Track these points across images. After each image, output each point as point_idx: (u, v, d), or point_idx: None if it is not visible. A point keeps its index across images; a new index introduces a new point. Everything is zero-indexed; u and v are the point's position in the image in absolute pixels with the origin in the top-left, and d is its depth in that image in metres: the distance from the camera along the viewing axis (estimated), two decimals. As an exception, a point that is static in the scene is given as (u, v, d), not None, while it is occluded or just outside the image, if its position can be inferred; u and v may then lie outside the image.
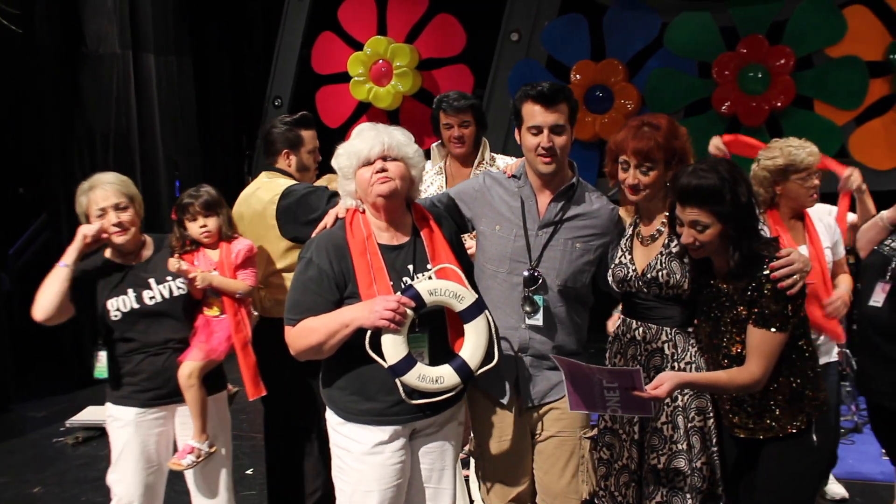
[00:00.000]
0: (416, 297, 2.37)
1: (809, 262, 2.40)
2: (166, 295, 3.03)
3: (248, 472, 4.73)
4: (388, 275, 2.46)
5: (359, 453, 2.49)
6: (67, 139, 6.78)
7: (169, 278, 3.04)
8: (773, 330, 2.33)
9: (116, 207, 2.97)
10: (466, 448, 2.99)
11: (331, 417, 2.58)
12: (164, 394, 3.01)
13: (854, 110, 6.45)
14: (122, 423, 3.02)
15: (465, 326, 2.46)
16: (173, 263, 3.00)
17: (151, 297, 3.01)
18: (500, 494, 2.81)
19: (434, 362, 2.46)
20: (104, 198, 2.96)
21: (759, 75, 6.49)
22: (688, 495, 2.56)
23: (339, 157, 2.54)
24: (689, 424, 2.59)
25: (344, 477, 2.54)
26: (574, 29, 7.12)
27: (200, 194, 3.13)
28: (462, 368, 2.44)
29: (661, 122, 2.61)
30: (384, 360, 2.36)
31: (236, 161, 8.82)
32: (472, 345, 2.46)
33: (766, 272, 2.33)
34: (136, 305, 2.99)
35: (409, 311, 2.35)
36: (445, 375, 2.43)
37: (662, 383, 2.29)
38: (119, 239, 2.98)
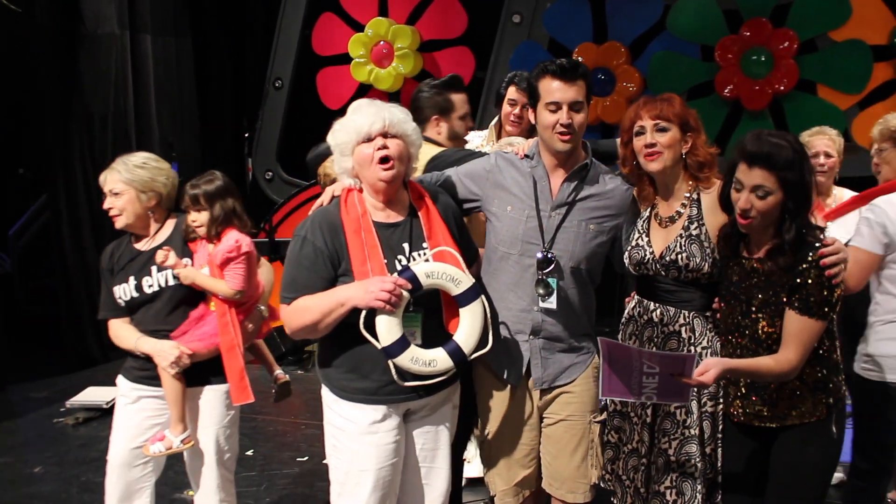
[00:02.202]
0: (413, 279, 2.36)
1: (849, 253, 2.38)
2: (163, 284, 2.98)
3: (249, 453, 4.74)
4: (382, 253, 2.44)
5: (353, 433, 2.49)
6: (67, 120, 6.75)
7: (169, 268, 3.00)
8: (814, 318, 2.30)
9: (111, 193, 2.97)
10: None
11: (326, 395, 2.58)
12: (154, 376, 2.98)
13: (857, 94, 6.41)
14: (120, 392, 3.07)
15: (461, 310, 2.45)
16: (160, 255, 2.95)
17: (150, 286, 2.98)
18: (504, 478, 2.80)
19: (427, 343, 2.45)
20: (104, 181, 3.00)
21: (763, 59, 6.45)
22: (697, 481, 2.55)
23: (336, 133, 2.51)
24: (702, 409, 2.58)
25: (339, 455, 2.55)
26: (576, 11, 7.07)
27: (194, 186, 3.03)
28: (456, 353, 2.43)
29: (673, 95, 2.64)
30: (378, 340, 2.35)
31: (236, 143, 8.79)
32: (466, 329, 2.45)
33: (815, 258, 2.28)
34: (135, 294, 2.98)
35: (404, 293, 2.34)
36: (439, 359, 2.42)
37: (709, 369, 2.26)
38: (118, 224, 3.00)
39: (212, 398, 3.05)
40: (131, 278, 2.98)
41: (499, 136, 3.86)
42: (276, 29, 7.96)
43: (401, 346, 2.37)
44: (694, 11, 6.71)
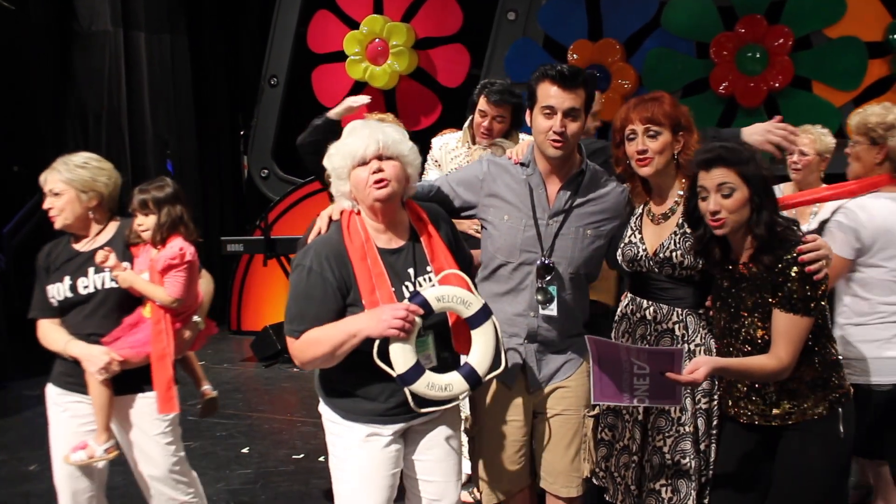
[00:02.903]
0: (424, 304, 2.32)
1: (832, 249, 2.38)
2: (99, 286, 2.91)
3: (244, 450, 4.74)
4: (389, 280, 2.41)
5: (353, 443, 2.47)
6: (61, 117, 6.75)
7: (107, 269, 2.92)
8: (800, 315, 2.30)
9: (51, 192, 2.91)
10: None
11: (326, 412, 2.56)
12: (83, 384, 2.90)
13: (853, 91, 6.43)
14: (49, 400, 2.98)
15: (473, 332, 2.42)
16: (100, 255, 2.86)
17: (85, 287, 2.90)
18: (494, 474, 2.80)
19: (438, 363, 2.43)
20: (44, 181, 2.93)
21: (758, 55, 6.47)
22: (692, 478, 2.55)
23: (332, 158, 2.46)
24: (696, 406, 2.58)
25: (341, 466, 2.53)
26: (571, 8, 7.08)
27: (143, 191, 2.97)
28: (471, 375, 2.41)
29: (663, 95, 2.61)
30: (392, 369, 2.32)
31: (231, 140, 8.78)
32: (480, 351, 2.42)
33: (795, 255, 2.29)
34: (68, 294, 2.90)
35: (417, 319, 2.31)
36: (454, 383, 2.39)
37: (699, 367, 2.26)
38: (55, 224, 2.93)
39: (144, 407, 2.96)
40: (66, 278, 2.91)
41: (473, 139, 3.86)
42: (272, 26, 7.96)
43: (416, 372, 2.33)
44: (689, 8, 6.72)
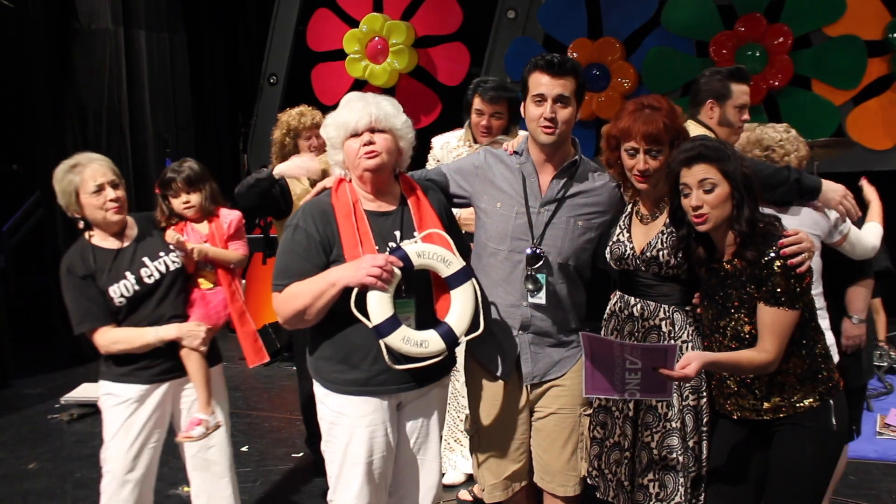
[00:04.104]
0: (404, 257, 2.37)
1: (814, 243, 2.40)
2: (163, 270, 2.99)
3: (244, 448, 4.74)
4: (373, 239, 2.46)
5: (346, 425, 2.50)
6: (60, 116, 6.73)
7: (162, 254, 3.00)
8: (784, 308, 2.33)
9: (113, 184, 2.92)
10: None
11: (318, 389, 2.59)
12: (167, 368, 2.98)
13: (852, 90, 6.44)
14: (121, 399, 2.96)
15: (452, 292, 2.46)
16: (171, 235, 2.99)
17: (150, 276, 2.97)
18: (494, 471, 2.81)
19: (420, 328, 2.45)
20: (102, 173, 2.91)
21: (757, 54, 6.47)
22: (679, 474, 2.56)
23: (327, 128, 2.54)
24: (684, 403, 2.59)
25: (332, 449, 2.56)
26: (571, 6, 7.08)
27: (182, 170, 3.10)
28: (448, 334, 2.44)
29: (661, 102, 2.60)
30: (369, 319, 2.36)
31: (231, 138, 8.78)
32: (458, 311, 2.46)
33: (777, 249, 2.32)
34: (137, 287, 2.95)
35: (396, 271, 2.35)
36: (430, 340, 2.42)
37: (690, 362, 2.29)
38: (115, 217, 2.93)
39: (217, 378, 3.11)
40: (128, 274, 2.94)
41: (474, 137, 3.86)
42: (271, 25, 7.95)
43: (392, 324, 2.37)
44: (689, 7, 6.72)
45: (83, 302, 2.92)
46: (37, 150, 6.87)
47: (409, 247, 2.41)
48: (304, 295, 2.40)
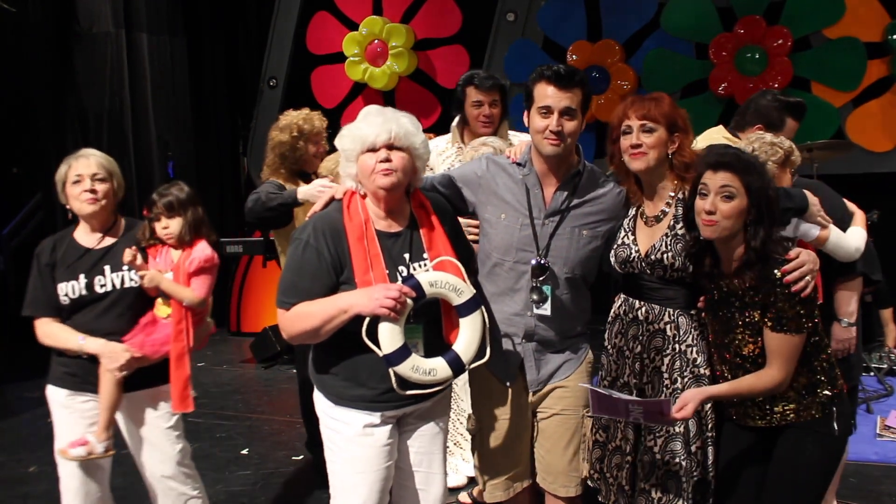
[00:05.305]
0: (417, 287, 2.34)
1: (817, 260, 2.38)
2: (118, 285, 2.91)
3: (244, 451, 4.73)
4: (384, 262, 2.43)
5: (349, 435, 2.48)
6: (61, 118, 6.75)
7: (126, 268, 2.91)
8: (791, 333, 2.31)
9: (94, 177, 2.89)
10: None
11: (321, 401, 2.56)
12: (93, 382, 2.88)
13: (852, 92, 6.43)
14: (54, 403, 2.94)
15: (461, 320, 2.44)
16: (128, 254, 2.87)
17: (102, 286, 2.90)
18: (495, 471, 2.81)
19: (427, 352, 2.44)
20: (87, 166, 2.90)
21: (757, 56, 6.47)
22: (682, 479, 2.55)
23: (343, 139, 2.48)
24: None
25: (335, 459, 2.54)
26: (570, 9, 7.09)
27: (167, 194, 2.99)
28: (455, 362, 2.43)
29: (663, 95, 2.63)
30: (380, 348, 2.34)
31: (231, 142, 8.78)
32: (466, 339, 2.45)
33: (778, 275, 2.30)
34: (84, 292, 2.88)
35: (408, 301, 2.33)
36: (438, 368, 2.41)
37: (686, 403, 2.32)
38: (88, 208, 2.89)
39: (154, 402, 2.98)
40: (81, 276, 2.89)
41: (462, 137, 3.85)
42: (271, 28, 7.96)
43: (402, 354, 2.36)
44: (688, 9, 6.73)
45: (37, 288, 2.93)
46: (37, 153, 6.88)
47: (422, 276, 2.37)
48: (313, 317, 2.37)
